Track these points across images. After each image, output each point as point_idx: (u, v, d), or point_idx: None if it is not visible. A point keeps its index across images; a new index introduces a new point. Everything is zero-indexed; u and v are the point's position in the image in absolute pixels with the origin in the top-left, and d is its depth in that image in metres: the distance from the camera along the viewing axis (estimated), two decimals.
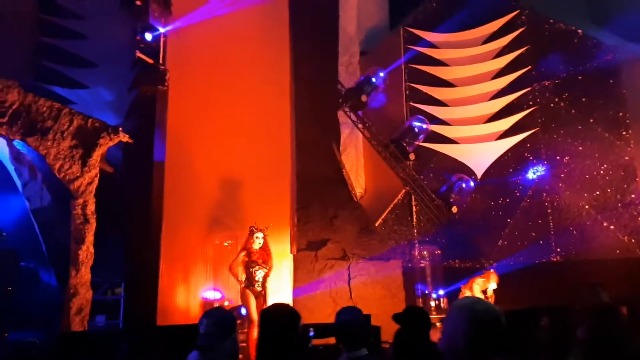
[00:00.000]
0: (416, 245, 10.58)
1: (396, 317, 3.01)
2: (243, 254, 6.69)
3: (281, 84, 8.34)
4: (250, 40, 8.20)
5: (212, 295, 6.85)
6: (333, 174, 9.27)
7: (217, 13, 7.94)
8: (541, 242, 10.51)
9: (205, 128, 7.48)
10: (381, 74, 11.24)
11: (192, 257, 7.08)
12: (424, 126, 11.14)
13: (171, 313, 7.01)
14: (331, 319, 2.85)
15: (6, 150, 7.23)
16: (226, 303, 7.29)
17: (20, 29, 8.71)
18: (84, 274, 6.28)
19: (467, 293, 8.20)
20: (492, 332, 1.67)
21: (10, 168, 7.49)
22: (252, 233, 6.79)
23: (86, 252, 6.38)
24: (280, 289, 7.27)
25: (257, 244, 6.84)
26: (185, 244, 7.10)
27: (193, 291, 7.07)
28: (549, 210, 10.69)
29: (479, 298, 2.70)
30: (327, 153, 8.22)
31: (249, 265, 6.78)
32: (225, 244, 7.04)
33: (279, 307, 2.26)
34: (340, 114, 11.36)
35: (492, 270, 8.65)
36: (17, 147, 6.95)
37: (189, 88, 7.56)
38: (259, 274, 6.72)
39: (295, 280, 7.62)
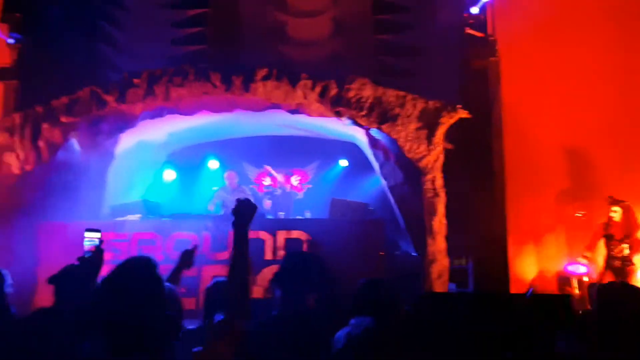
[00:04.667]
0: None
1: None
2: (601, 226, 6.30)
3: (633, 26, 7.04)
4: None
5: (575, 268, 6.50)
6: None
7: None
8: None
9: (544, 93, 7.03)
10: None
11: (542, 228, 6.85)
12: None
13: (522, 284, 6.97)
14: None
15: (364, 138, 8.59)
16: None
17: (361, 31, 10.12)
18: (440, 243, 6.88)
19: None
20: None
21: (369, 153, 8.88)
22: (610, 205, 6.28)
23: (439, 222, 6.97)
24: None
25: (617, 217, 6.29)
26: (532, 214, 6.91)
27: (545, 263, 6.84)
28: None
29: None
30: None
31: (608, 240, 6.33)
32: (578, 214, 6.52)
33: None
34: None
35: None
36: (373, 134, 8.15)
37: (522, 53, 7.24)
38: (618, 250, 6.21)
39: None
